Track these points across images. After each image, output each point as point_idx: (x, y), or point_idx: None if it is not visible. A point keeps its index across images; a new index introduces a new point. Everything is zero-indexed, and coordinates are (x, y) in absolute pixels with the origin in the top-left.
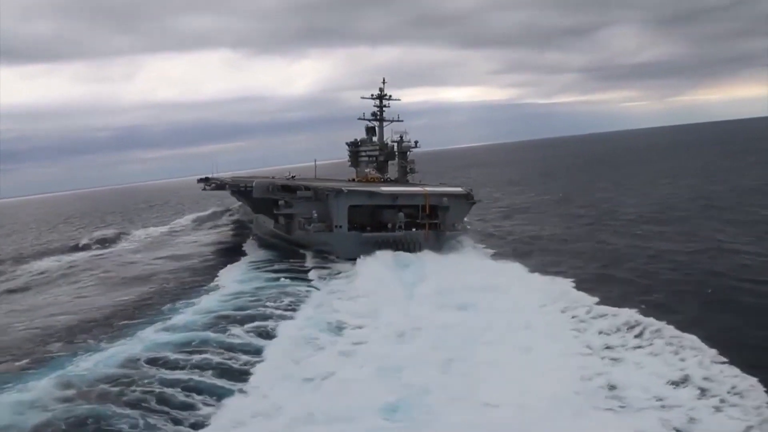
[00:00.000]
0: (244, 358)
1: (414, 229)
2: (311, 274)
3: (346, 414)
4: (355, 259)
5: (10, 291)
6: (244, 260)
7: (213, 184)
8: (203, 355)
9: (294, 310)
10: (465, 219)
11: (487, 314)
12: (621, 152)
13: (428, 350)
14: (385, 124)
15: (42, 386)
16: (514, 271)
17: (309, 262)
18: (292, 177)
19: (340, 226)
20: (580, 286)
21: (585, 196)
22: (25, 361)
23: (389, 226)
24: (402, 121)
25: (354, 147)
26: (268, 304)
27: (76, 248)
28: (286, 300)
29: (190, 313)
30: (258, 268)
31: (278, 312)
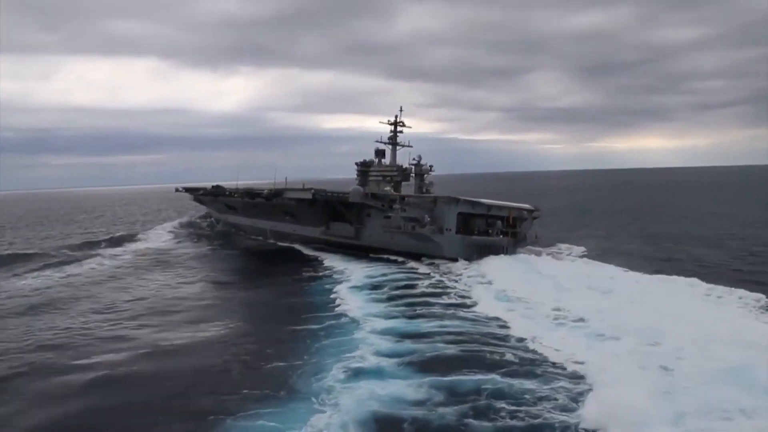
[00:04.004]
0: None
1: (501, 236)
2: (448, 284)
3: None
4: (457, 259)
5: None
6: (344, 284)
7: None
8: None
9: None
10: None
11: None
12: (555, 190)
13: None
14: (397, 148)
15: None
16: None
17: (424, 268)
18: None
19: (450, 229)
20: None
21: (649, 229)
22: None
23: (489, 231)
24: (412, 147)
25: (364, 167)
26: (469, 331)
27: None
28: (486, 326)
29: (371, 355)
30: (386, 295)
31: (497, 340)
